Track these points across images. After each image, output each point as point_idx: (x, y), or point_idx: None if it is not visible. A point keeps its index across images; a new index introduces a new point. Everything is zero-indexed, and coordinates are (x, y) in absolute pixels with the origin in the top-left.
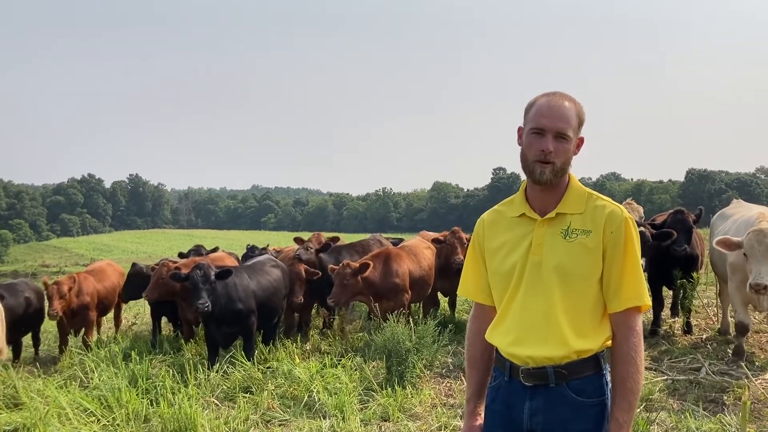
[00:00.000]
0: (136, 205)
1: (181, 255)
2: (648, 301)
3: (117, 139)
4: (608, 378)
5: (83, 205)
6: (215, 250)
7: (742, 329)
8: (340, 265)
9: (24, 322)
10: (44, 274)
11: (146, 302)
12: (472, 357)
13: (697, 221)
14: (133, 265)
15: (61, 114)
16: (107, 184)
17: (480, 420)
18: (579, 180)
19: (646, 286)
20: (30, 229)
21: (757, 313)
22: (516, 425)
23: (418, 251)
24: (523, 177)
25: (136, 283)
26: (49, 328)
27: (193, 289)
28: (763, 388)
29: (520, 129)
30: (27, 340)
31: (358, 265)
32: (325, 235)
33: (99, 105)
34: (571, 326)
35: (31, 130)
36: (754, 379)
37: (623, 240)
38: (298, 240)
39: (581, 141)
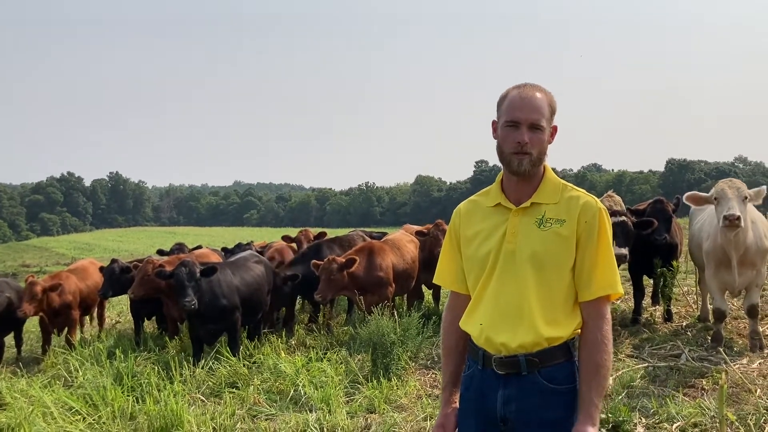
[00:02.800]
0: (116, 203)
1: (160, 252)
2: (620, 289)
3: (96, 137)
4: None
5: (63, 204)
6: (198, 248)
7: (720, 316)
8: (326, 260)
9: (5, 322)
10: (25, 273)
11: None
12: (448, 346)
13: (675, 210)
14: (113, 260)
15: (39, 112)
16: (87, 183)
17: (455, 407)
18: (561, 171)
19: (618, 275)
20: (9, 229)
21: (734, 300)
22: (489, 413)
23: (402, 244)
24: (502, 171)
25: (113, 279)
26: (31, 328)
27: (178, 287)
28: (740, 373)
29: (494, 123)
30: (9, 339)
31: (344, 260)
32: (313, 231)
33: (78, 102)
34: (543, 314)
35: (8, 128)
36: (732, 364)
37: (597, 230)
38: (286, 238)
39: (555, 129)
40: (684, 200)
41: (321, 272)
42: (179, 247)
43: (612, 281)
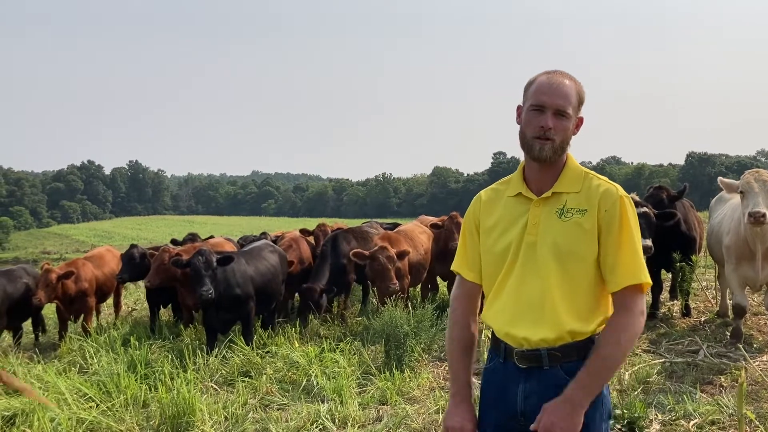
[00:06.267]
0: (136, 191)
1: (174, 242)
2: (647, 279)
3: (116, 126)
4: None
5: (83, 192)
6: (211, 238)
7: (740, 311)
8: (379, 248)
9: (22, 309)
10: (45, 260)
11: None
12: (466, 338)
13: (678, 198)
14: (133, 246)
15: (60, 101)
16: (107, 171)
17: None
18: (579, 163)
19: (644, 264)
20: (30, 216)
21: (755, 295)
22: (510, 408)
23: (414, 235)
24: (523, 160)
25: (132, 264)
26: (48, 314)
27: (195, 276)
28: (760, 370)
29: (519, 107)
30: (27, 325)
31: (399, 250)
32: (330, 225)
33: (98, 92)
34: (566, 307)
35: (30, 117)
36: (751, 361)
37: (618, 218)
38: (304, 231)
39: (580, 120)
40: (718, 182)
41: (387, 261)
42: (192, 238)
43: (636, 270)
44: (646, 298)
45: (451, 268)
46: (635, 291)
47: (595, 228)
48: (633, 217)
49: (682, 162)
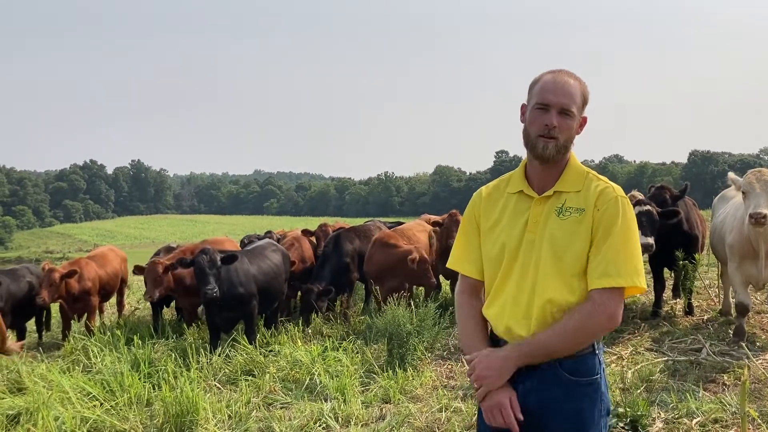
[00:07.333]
0: (138, 190)
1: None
2: (629, 282)
3: (119, 125)
4: (601, 358)
5: (86, 191)
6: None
7: (743, 310)
8: (410, 249)
9: (26, 307)
10: (48, 259)
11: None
12: (481, 321)
13: (680, 197)
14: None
15: (62, 100)
16: (109, 170)
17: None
18: (582, 162)
19: (634, 267)
20: (33, 216)
21: (758, 294)
22: None
23: (411, 234)
24: (525, 158)
25: None
26: (51, 313)
27: (200, 275)
28: (763, 369)
29: (523, 106)
30: (31, 325)
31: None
32: (332, 225)
33: (100, 91)
34: (565, 306)
35: (32, 116)
36: (754, 360)
37: (611, 218)
38: (305, 231)
39: (584, 120)
40: (728, 177)
41: (410, 262)
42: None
43: (619, 271)
44: (650, 297)
45: (448, 265)
46: (614, 294)
47: (590, 227)
48: (628, 220)
49: (684, 160)
